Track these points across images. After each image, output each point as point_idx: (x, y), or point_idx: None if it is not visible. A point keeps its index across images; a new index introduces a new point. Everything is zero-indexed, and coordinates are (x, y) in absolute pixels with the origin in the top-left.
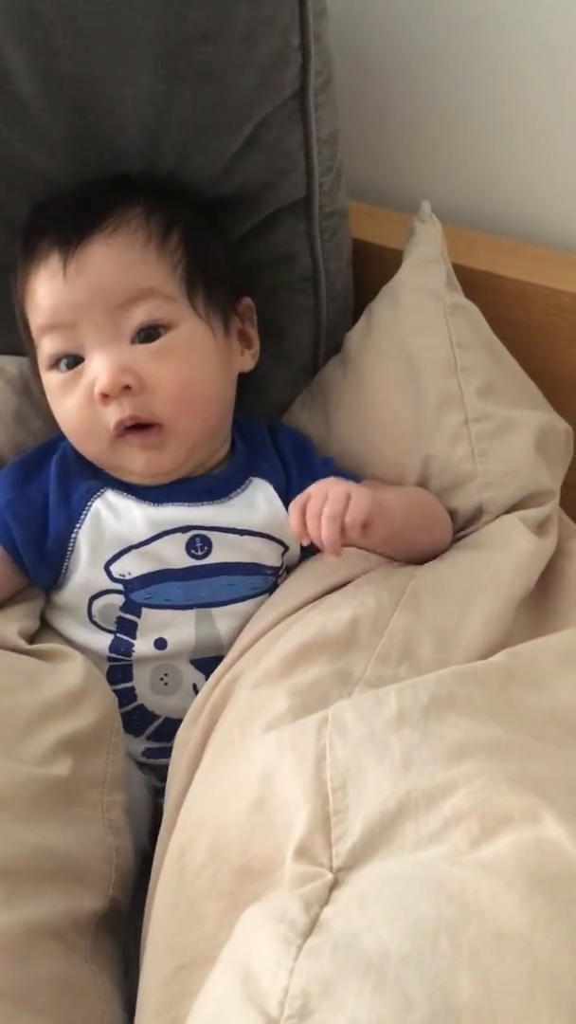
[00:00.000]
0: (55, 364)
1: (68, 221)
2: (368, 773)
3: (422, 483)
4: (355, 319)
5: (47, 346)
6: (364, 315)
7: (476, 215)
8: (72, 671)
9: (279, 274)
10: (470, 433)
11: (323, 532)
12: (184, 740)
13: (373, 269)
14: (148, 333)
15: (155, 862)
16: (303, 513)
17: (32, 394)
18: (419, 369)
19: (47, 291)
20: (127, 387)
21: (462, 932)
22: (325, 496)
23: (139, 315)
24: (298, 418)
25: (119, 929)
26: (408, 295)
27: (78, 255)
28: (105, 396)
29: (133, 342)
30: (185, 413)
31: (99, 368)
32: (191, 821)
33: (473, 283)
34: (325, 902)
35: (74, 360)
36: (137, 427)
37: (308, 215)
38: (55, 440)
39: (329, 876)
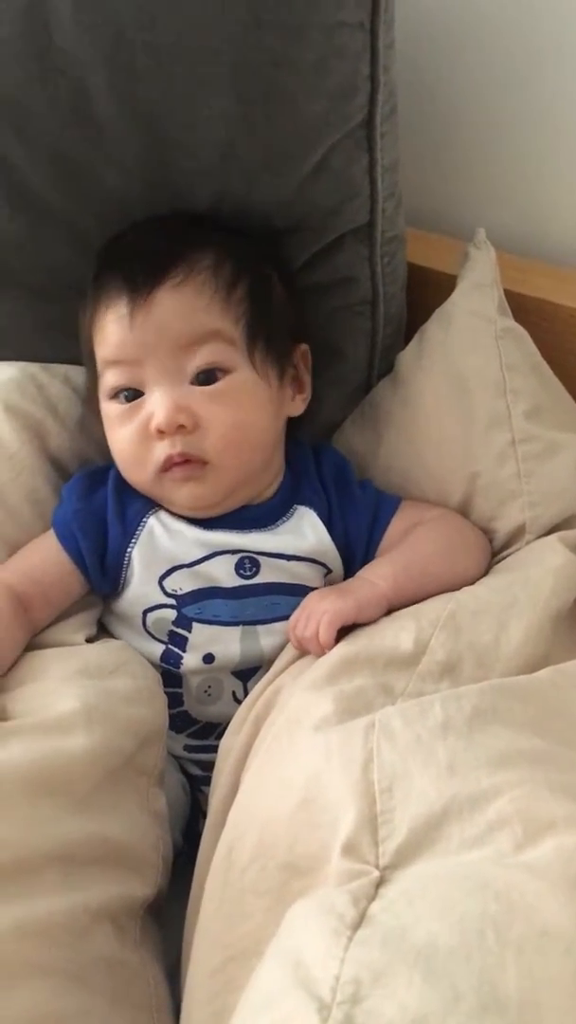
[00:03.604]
0: (115, 395)
1: (139, 266)
2: (414, 777)
3: (467, 500)
4: (406, 342)
5: (110, 378)
6: (416, 337)
7: (529, 243)
8: (135, 667)
9: (340, 297)
10: (517, 453)
11: (311, 649)
12: (228, 747)
13: (425, 293)
14: (207, 375)
15: (200, 858)
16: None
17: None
18: (469, 389)
19: (115, 330)
20: (181, 426)
21: (508, 929)
22: (308, 616)
23: (201, 357)
24: (349, 436)
25: (160, 916)
26: (460, 318)
27: (147, 302)
28: (160, 432)
29: (191, 383)
30: (231, 454)
31: (157, 405)
32: (240, 819)
33: (526, 310)
34: (372, 898)
35: (134, 394)
36: (184, 461)
37: (371, 240)
38: None
39: (376, 873)
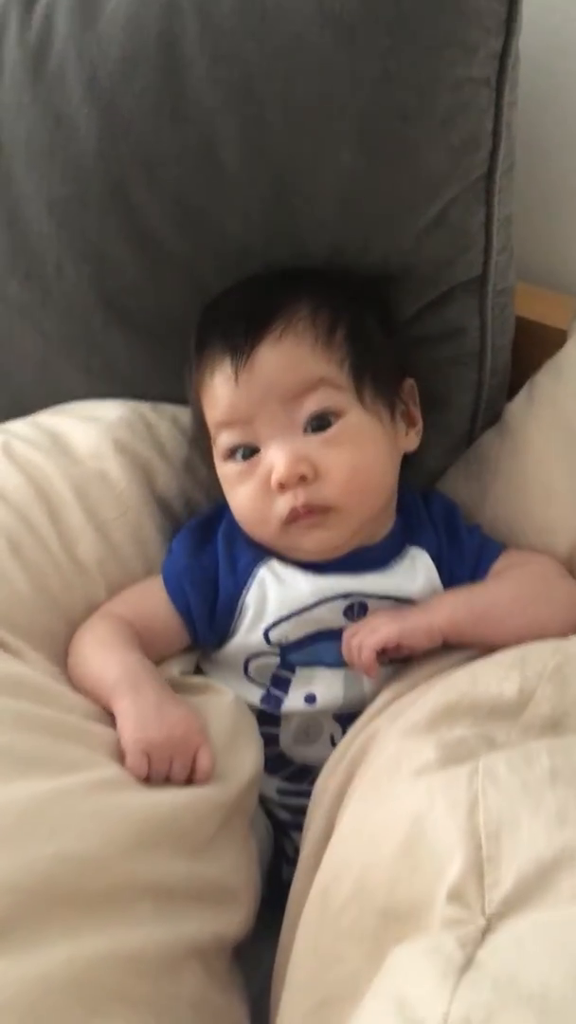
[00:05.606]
0: (231, 455)
1: (237, 328)
2: (523, 823)
3: (573, 550)
4: (510, 395)
5: (224, 439)
6: (526, 387)
7: None
8: (227, 710)
9: (448, 348)
10: None
11: (353, 661)
12: (322, 789)
13: (529, 346)
14: (319, 422)
15: (291, 900)
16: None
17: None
18: None
19: (223, 392)
20: (303, 476)
21: None
22: (358, 631)
23: (311, 404)
24: (454, 485)
25: (243, 958)
26: (572, 368)
27: (249, 361)
28: (282, 486)
29: (305, 431)
30: (354, 497)
31: (275, 458)
32: (335, 861)
33: None
34: (479, 944)
35: (250, 451)
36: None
37: (482, 292)
38: (223, 505)
39: (482, 921)
